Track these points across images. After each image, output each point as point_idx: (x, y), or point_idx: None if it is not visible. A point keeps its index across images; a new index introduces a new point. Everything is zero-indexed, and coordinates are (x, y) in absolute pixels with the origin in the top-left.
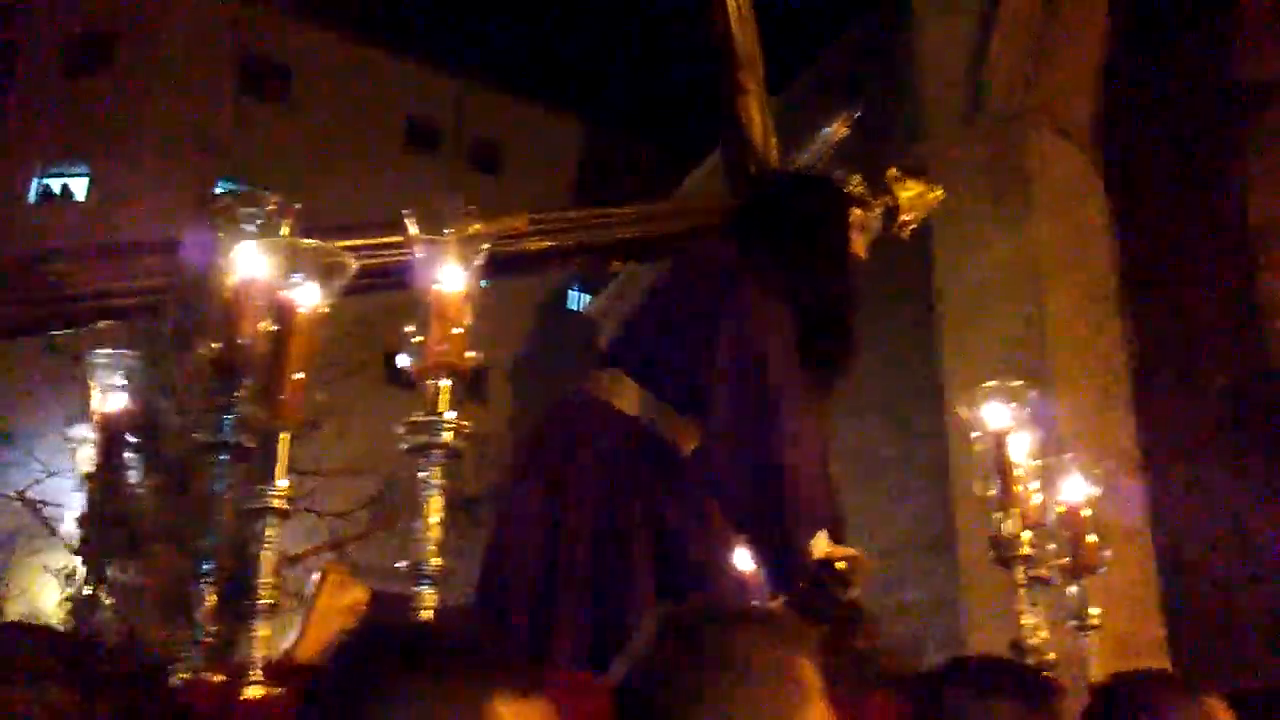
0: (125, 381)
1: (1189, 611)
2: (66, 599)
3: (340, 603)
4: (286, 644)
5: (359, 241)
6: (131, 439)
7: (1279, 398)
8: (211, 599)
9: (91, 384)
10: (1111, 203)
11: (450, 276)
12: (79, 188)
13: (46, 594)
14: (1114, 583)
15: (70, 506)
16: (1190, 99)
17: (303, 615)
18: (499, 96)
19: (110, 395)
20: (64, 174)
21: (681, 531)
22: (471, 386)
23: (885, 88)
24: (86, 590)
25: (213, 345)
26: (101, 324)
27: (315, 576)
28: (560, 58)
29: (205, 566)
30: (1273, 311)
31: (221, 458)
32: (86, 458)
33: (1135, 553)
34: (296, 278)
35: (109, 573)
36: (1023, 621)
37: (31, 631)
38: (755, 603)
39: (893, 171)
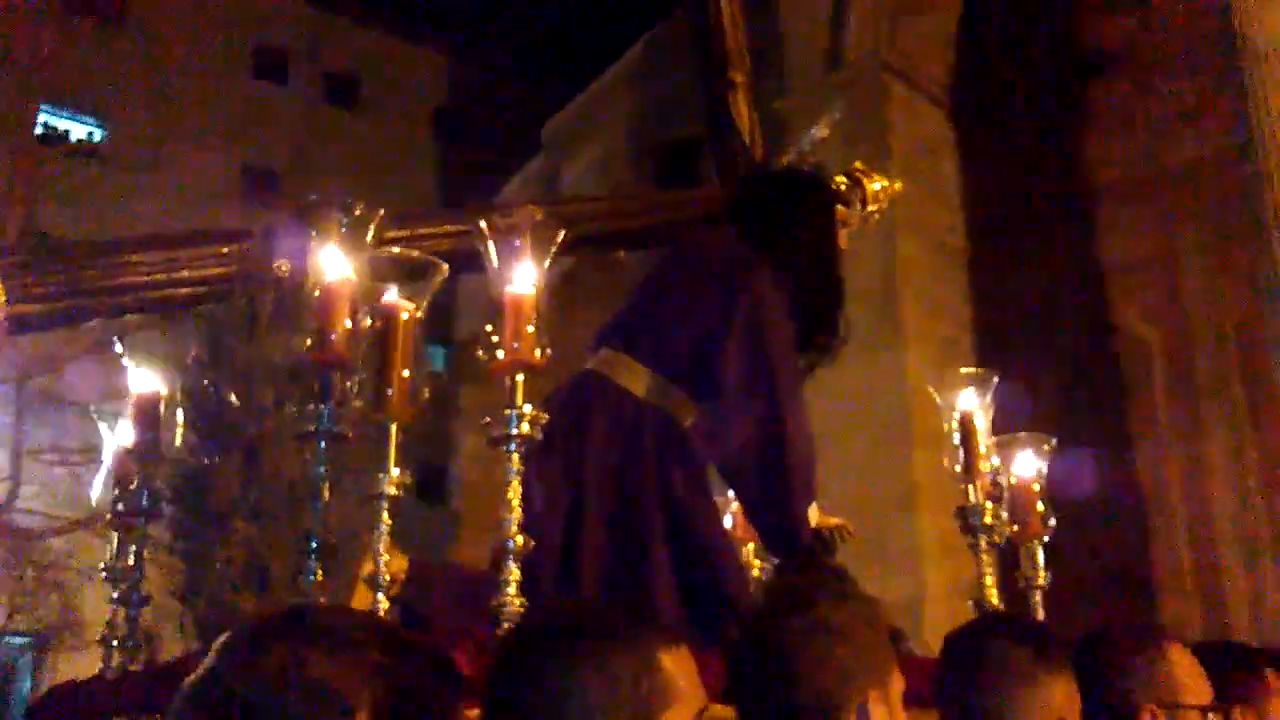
0: (158, 363)
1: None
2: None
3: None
4: None
5: (407, 232)
6: (183, 418)
7: (1119, 353)
8: (319, 574)
9: (129, 365)
10: (962, 159)
11: (522, 277)
12: None
13: None
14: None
15: None
16: (1039, 62)
17: (346, 584)
18: (356, 26)
19: (144, 376)
20: None
21: (689, 502)
22: None
23: (749, 36)
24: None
25: (307, 341)
26: (129, 317)
27: None
28: None
29: (312, 544)
30: (1112, 271)
31: (320, 445)
32: (119, 433)
33: None
34: (390, 283)
35: (180, 545)
36: (986, 583)
37: (339, 610)
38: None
39: (859, 165)
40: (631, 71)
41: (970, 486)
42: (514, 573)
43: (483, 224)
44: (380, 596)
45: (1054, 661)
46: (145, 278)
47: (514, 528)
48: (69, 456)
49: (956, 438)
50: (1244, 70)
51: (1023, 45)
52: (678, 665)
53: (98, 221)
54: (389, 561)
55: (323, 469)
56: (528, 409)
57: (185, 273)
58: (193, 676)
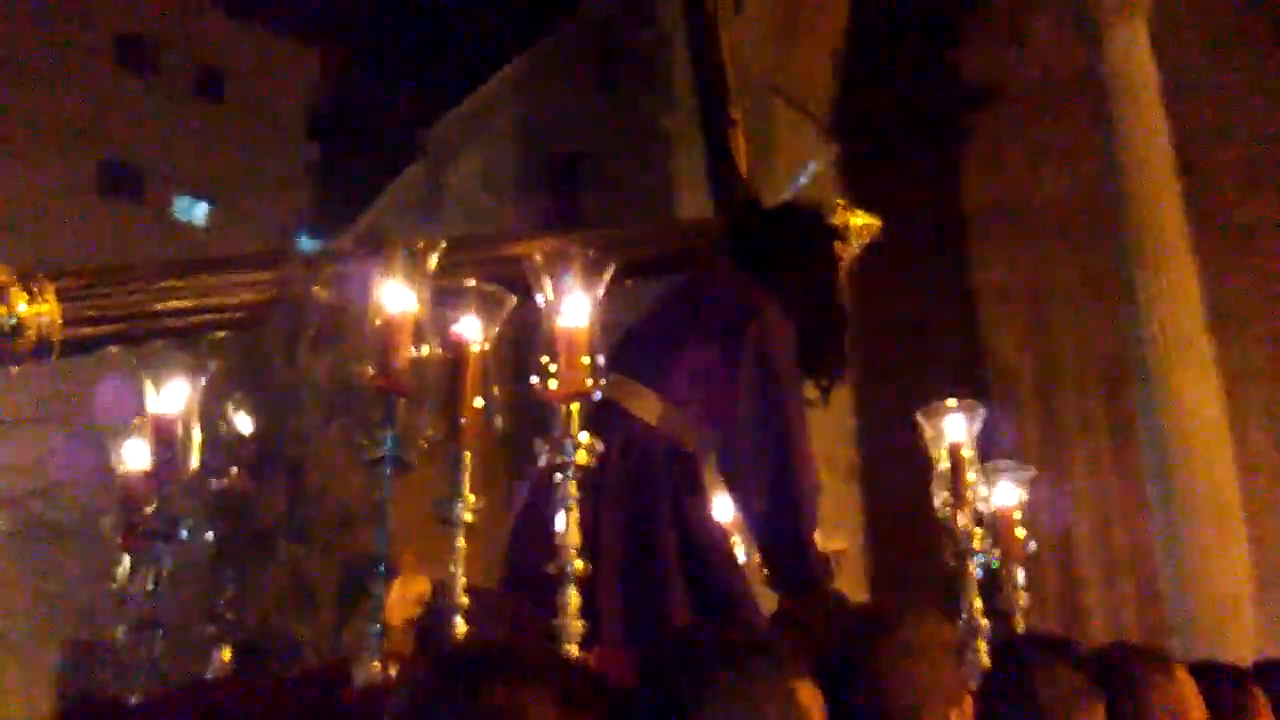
0: (181, 383)
1: (887, 576)
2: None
3: (410, 592)
4: None
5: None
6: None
7: (990, 379)
8: (384, 595)
9: (147, 384)
10: (843, 183)
11: (576, 312)
12: None
13: None
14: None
15: None
16: (919, 94)
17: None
18: (228, 18)
19: (164, 396)
20: None
21: (700, 526)
22: None
23: (638, 47)
24: (129, 580)
25: (369, 370)
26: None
27: None
28: None
29: (379, 567)
30: (986, 298)
31: (385, 471)
32: (129, 453)
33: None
34: (465, 315)
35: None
36: (976, 606)
37: (531, 645)
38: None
39: (842, 202)
40: (517, 82)
41: (959, 513)
42: (575, 597)
43: (537, 258)
44: (459, 620)
45: (1098, 683)
46: (190, 302)
47: (572, 552)
48: None
49: (944, 466)
50: (1110, 108)
51: (905, 76)
52: (810, 696)
53: None
54: (416, 584)
55: (388, 494)
56: (584, 438)
57: (229, 298)
58: (401, 713)
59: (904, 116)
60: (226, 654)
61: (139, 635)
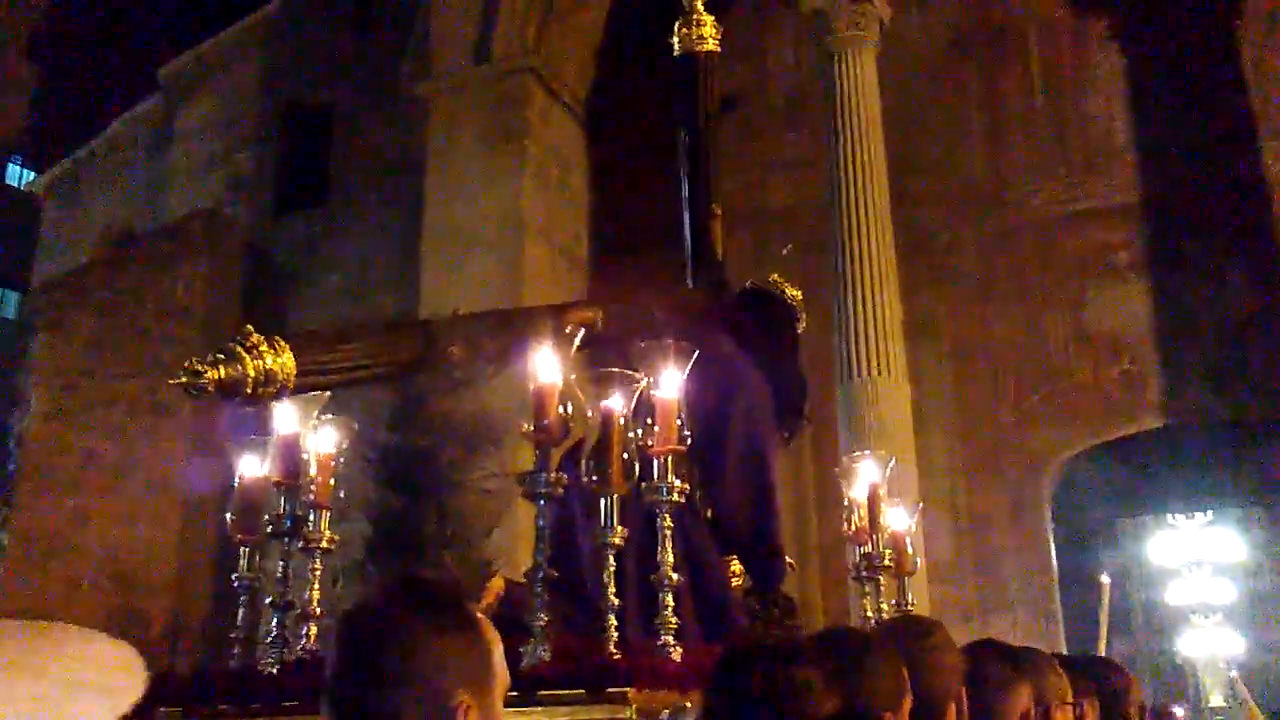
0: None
1: None
2: None
3: (493, 589)
4: None
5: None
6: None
7: None
8: (543, 596)
9: (276, 410)
10: (592, 173)
11: (669, 387)
12: None
13: None
14: None
15: None
16: (667, 95)
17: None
18: None
19: (287, 417)
20: None
21: (699, 541)
22: None
23: (396, 10)
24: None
25: (527, 426)
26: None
27: None
28: None
29: (539, 574)
30: None
31: (541, 503)
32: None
33: None
34: (611, 392)
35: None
36: (885, 608)
37: (793, 634)
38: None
39: (775, 277)
40: (263, 26)
41: (875, 537)
42: (670, 601)
43: (641, 345)
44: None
45: (1024, 672)
46: (368, 360)
47: (668, 569)
48: None
49: (860, 498)
50: (837, 129)
51: (656, 75)
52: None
53: None
54: (494, 584)
55: (543, 521)
56: (676, 482)
57: (391, 356)
58: (721, 685)
59: (654, 114)
60: (313, 631)
61: (271, 616)
